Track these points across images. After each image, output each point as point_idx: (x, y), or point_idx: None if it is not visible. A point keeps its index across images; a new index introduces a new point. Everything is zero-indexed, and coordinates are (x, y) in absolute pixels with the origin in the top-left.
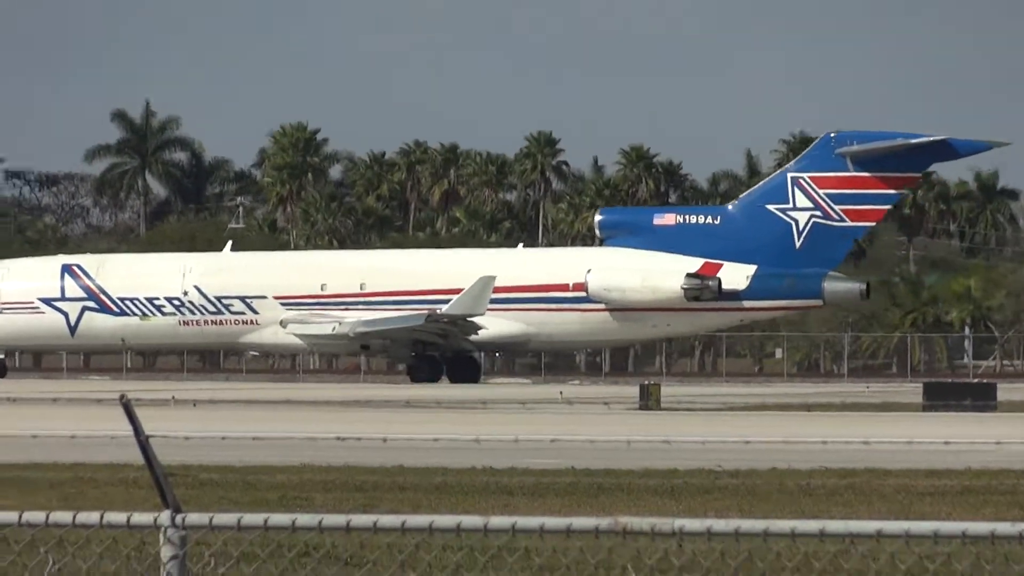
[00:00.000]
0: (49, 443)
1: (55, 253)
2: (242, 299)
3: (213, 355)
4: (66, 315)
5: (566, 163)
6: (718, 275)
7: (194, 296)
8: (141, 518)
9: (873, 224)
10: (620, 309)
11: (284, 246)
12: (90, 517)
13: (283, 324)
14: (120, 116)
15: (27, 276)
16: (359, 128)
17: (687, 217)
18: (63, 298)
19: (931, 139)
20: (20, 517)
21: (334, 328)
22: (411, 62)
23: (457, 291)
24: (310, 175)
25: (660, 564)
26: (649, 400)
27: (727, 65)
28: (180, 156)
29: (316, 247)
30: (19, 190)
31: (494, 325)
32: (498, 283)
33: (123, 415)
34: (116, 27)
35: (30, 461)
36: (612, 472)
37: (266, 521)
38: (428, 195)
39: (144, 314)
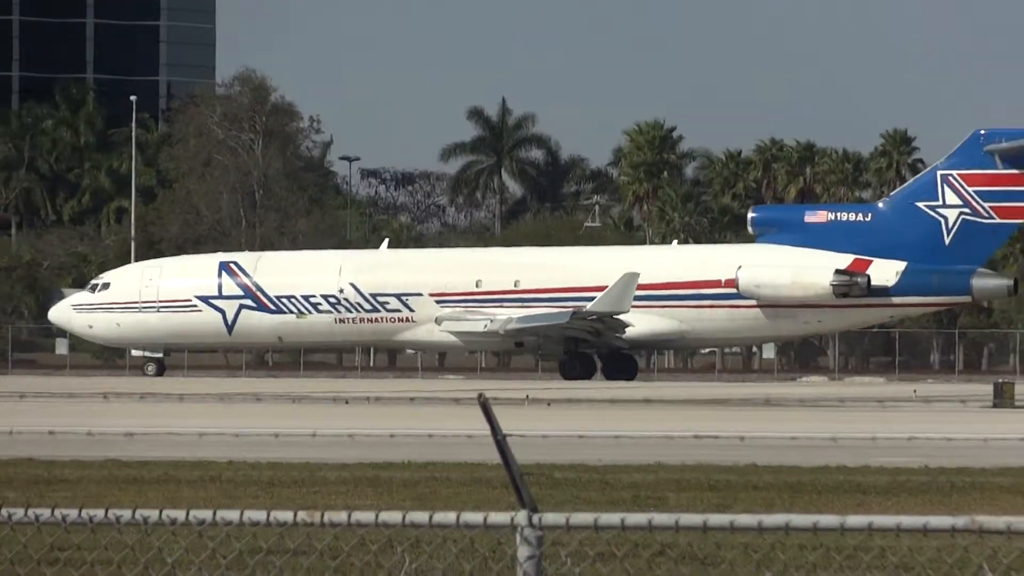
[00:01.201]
0: (408, 442)
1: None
2: (398, 296)
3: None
4: (223, 313)
5: (921, 161)
6: (867, 271)
7: (350, 294)
8: (497, 518)
9: (1022, 221)
10: (770, 305)
11: (640, 244)
12: (447, 517)
13: (438, 321)
14: (476, 114)
15: (184, 274)
16: (715, 125)
17: (838, 214)
18: (220, 296)
19: None
20: (377, 517)
21: (485, 326)
22: (762, 60)
23: (603, 288)
24: (666, 173)
25: (1015, 563)
26: (1003, 398)
27: None
28: (536, 154)
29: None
30: (375, 189)
31: (646, 322)
32: (651, 280)
33: (480, 414)
34: (472, 26)
35: (385, 460)
36: (967, 471)
37: (623, 521)
38: (784, 193)
39: (300, 312)
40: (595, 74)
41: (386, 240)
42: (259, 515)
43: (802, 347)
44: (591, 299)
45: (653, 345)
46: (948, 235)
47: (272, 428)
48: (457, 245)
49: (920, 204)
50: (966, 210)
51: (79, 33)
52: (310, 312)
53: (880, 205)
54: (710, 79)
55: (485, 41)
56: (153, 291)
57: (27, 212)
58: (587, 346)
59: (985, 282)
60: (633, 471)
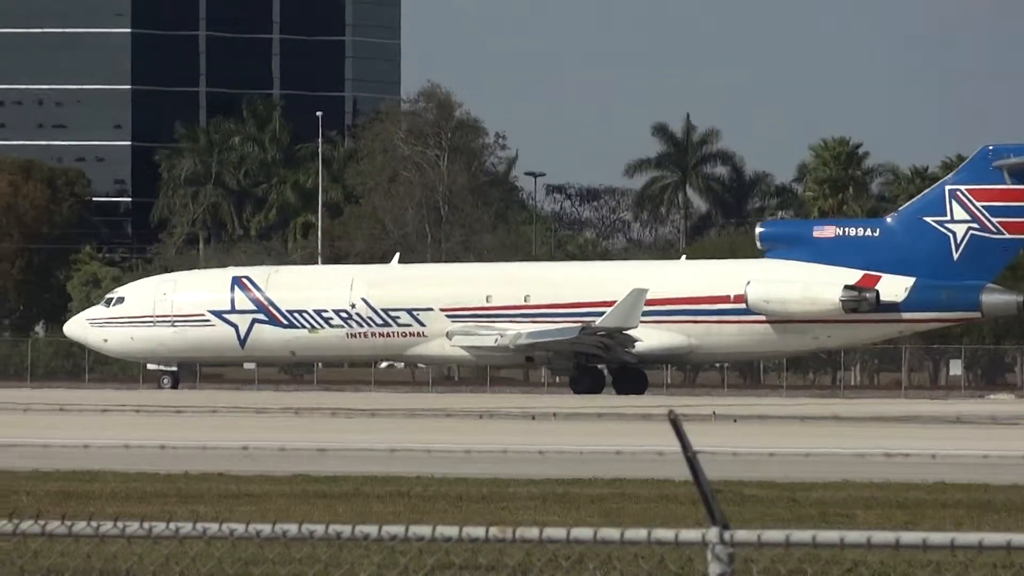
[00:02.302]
0: (596, 458)
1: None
2: (409, 311)
3: (752, 369)
4: (236, 327)
5: None
6: (876, 287)
7: (362, 308)
8: (688, 535)
9: None
10: (779, 321)
11: None
12: (638, 534)
13: (449, 336)
14: (661, 130)
15: (198, 289)
16: (901, 141)
17: (846, 229)
18: (233, 310)
19: None
20: (568, 534)
21: (496, 340)
22: (950, 75)
23: (614, 303)
24: (851, 189)
25: None
26: None
27: None
28: (720, 170)
29: None
30: (560, 204)
31: (655, 337)
32: (660, 295)
33: (671, 430)
34: (657, 42)
35: (573, 476)
36: None
37: (814, 538)
38: None
39: (312, 326)
40: (779, 90)
41: (397, 255)
42: (451, 531)
43: (990, 364)
44: (600, 314)
45: (662, 360)
46: (957, 250)
47: (463, 444)
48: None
49: (928, 219)
50: (975, 225)
51: (265, 49)
52: (322, 327)
53: (888, 220)
54: (896, 94)
55: (670, 57)
56: (167, 305)
57: (215, 227)
58: (596, 361)
59: (995, 298)
60: (821, 488)
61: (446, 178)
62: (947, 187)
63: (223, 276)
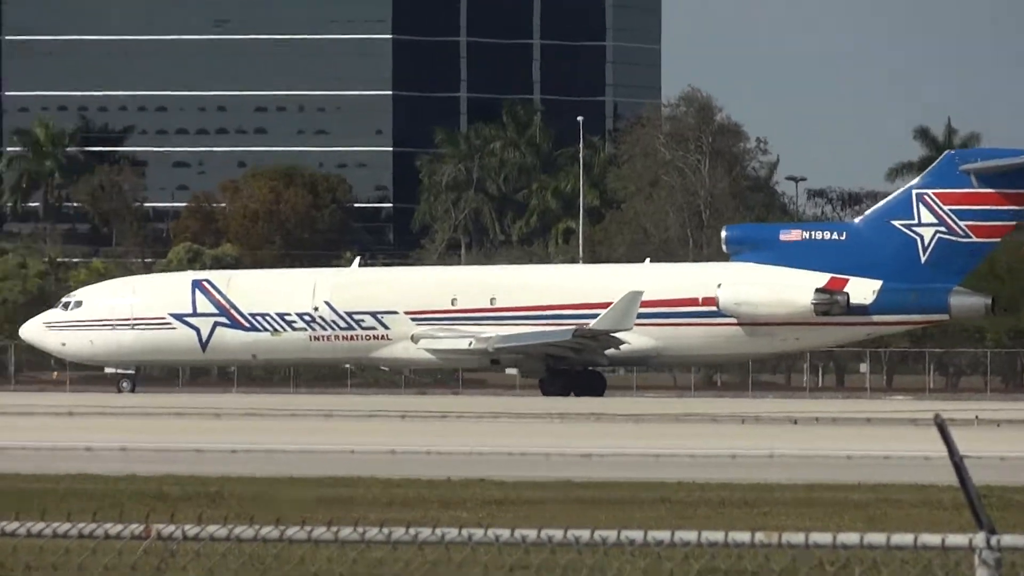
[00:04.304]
0: (863, 464)
1: None
2: (373, 314)
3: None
4: (198, 330)
5: None
6: (846, 290)
7: (325, 312)
8: (955, 539)
9: (998, 240)
10: (748, 324)
11: None
12: (904, 539)
13: (414, 339)
14: (922, 134)
15: (157, 292)
16: None
17: (813, 233)
18: (195, 314)
19: None
20: (835, 539)
21: (470, 344)
22: None
23: (587, 306)
24: None
25: None
26: None
27: None
28: None
29: None
30: (821, 209)
31: (624, 339)
32: None
33: (937, 435)
34: (921, 47)
35: (835, 481)
36: None
37: None
38: None
39: (275, 330)
40: None
41: (357, 259)
42: (716, 536)
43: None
44: (567, 317)
45: (630, 362)
46: (924, 253)
47: (729, 449)
48: None
49: (896, 223)
50: (942, 229)
51: (526, 54)
52: (285, 330)
53: (856, 223)
54: None
55: (932, 60)
56: (127, 309)
57: (476, 232)
58: (565, 363)
59: (963, 300)
60: None
61: (707, 182)
62: (914, 191)
63: (183, 280)
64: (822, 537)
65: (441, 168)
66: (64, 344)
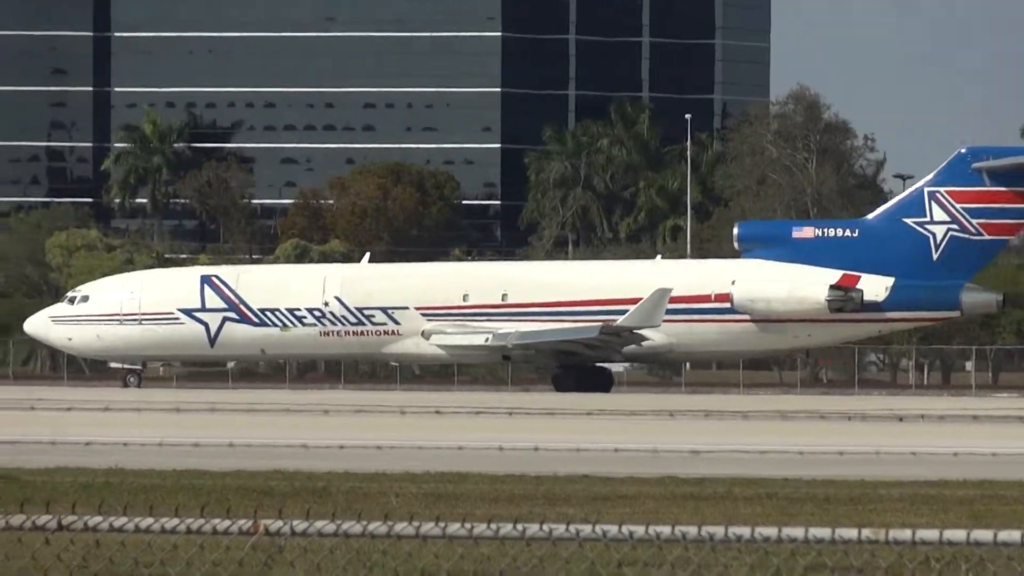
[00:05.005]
0: (969, 460)
1: None
2: (383, 310)
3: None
4: (207, 325)
5: None
6: (859, 286)
7: (335, 307)
8: None
9: (1011, 238)
10: (761, 320)
11: None
12: (1011, 536)
13: (425, 335)
14: None
15: (166, 287)
16: None
17: (825, 230)
18: (204, 309)
19: None
20: (941, 535)
21: (487, 340)
22: None
23: (599, 302)
24: None
25: None
26: None
27: None
28: None
29: None
30: None
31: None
32: (639, 295)
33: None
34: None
35: (941, 478)
36: None
37: None
38: None
39: (284, 325)
40: None
41: (367, 254)
42: (823, 532)
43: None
44: (580, 314)
45: (642, 359)
46: (936, 251)
47: (834, 446)
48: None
49: (908, 220)
50: (954, 226)
51: (635, 52)
52: (295, 325)
53: (868, 220)
54: None
55: None
56: (135, 304)
57: (584, 229)
58: (578, 359)
59: (974, 296)
60: None
61: (815, 180)
62: (926, 189)
63: (192, 274)
64: (929, 534)
65: (549, 165)
66: (70, 339)
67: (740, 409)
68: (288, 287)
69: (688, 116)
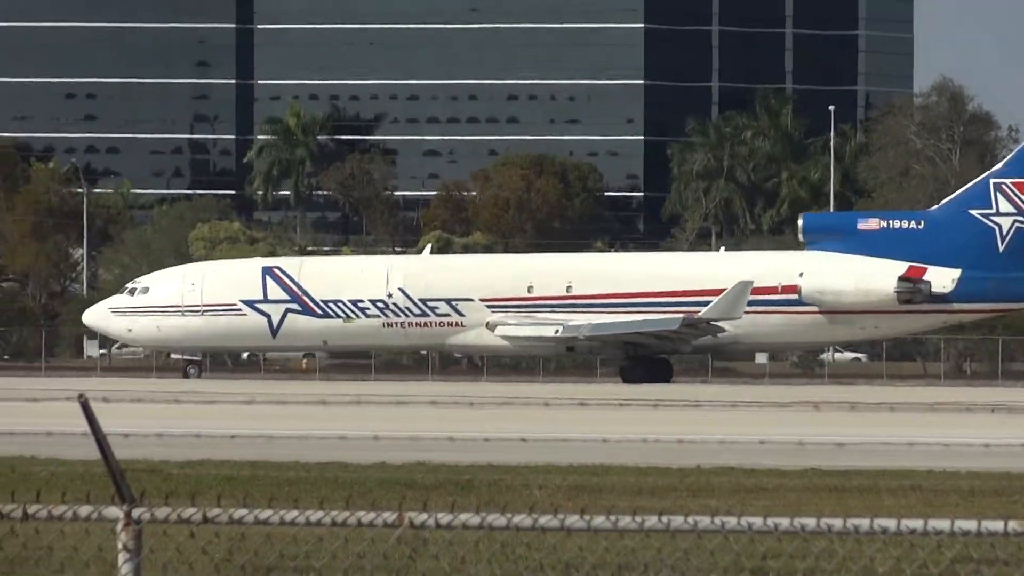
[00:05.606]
0: None
1: None
2: (447, 301)
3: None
4: (269, 317)
5: None
6: (927, 278)
7: (399, 298)
8: None
9: None
10: (828, 312)
11: None
12: None
13: (489, 326)
14: None
15: (228, 279)
16: None
17: (891, 222)
18: (266, 300)
19: None
20: None
21: (557, 331)
22: None
23: (663, 294)
24: None
25: None
26: None
27: None
28: None
29: None
30: None
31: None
32: (705, 287)
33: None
34: None
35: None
36: None
37: None
38: None
39: (347, 316)
40: None
41: (428, 246)
42: (969, 524)
43: None
44: (647, 305)
45: (709, 351)
46: (1002, 243)
47: (982, 438)
48: None
49: (974, 212)
50: (1020, 218)
51: (778, 43)
52: (358, 316)
53: (933, 212)
54: None
55: None
56: (196, 295)
57: (726, 221)
58: (644, 350)
59: None
60: None
61: (958, 171)
62: (992, 180)
63: (254, 266)
64: None
65: (692, 157)
66: (130, 330)
67: (887, 401)
68: (351, 278)
69: (831, 107)
